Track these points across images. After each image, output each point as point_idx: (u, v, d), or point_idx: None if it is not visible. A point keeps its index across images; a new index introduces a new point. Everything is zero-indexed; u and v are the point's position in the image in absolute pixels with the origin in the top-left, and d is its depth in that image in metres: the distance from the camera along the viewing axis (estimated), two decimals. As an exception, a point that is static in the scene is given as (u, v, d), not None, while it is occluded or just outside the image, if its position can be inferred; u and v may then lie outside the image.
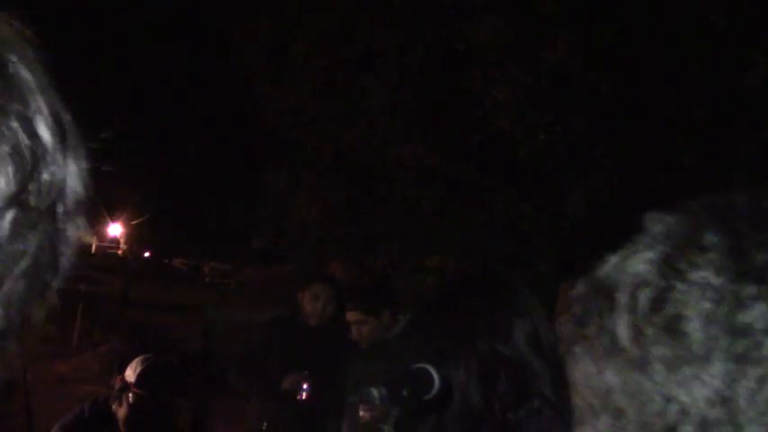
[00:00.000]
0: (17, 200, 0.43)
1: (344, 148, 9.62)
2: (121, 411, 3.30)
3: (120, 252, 38.26)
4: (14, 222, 0.43)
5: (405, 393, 1.57)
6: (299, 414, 4.05)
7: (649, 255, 0.60)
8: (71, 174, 0.48)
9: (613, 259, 0.63)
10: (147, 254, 38.68)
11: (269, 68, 10.32)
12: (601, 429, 0.62)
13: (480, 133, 8.49)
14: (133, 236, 38.27)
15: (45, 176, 0.45)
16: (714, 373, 0.55)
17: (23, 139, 0.44)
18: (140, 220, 35.49)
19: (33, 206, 0.44)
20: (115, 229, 38.17)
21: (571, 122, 7.98)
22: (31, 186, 0.43)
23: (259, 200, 11.30)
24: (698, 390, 0.55)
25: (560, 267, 7.49)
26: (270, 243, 11.26)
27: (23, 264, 0.44)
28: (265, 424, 3.47)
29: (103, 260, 31.72)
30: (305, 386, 4.11)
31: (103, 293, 18.99)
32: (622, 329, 0.59)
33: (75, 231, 0.50)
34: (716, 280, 0.56)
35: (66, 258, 0.49)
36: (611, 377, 0.61)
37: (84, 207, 0.51)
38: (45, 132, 0.45)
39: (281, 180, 10.54)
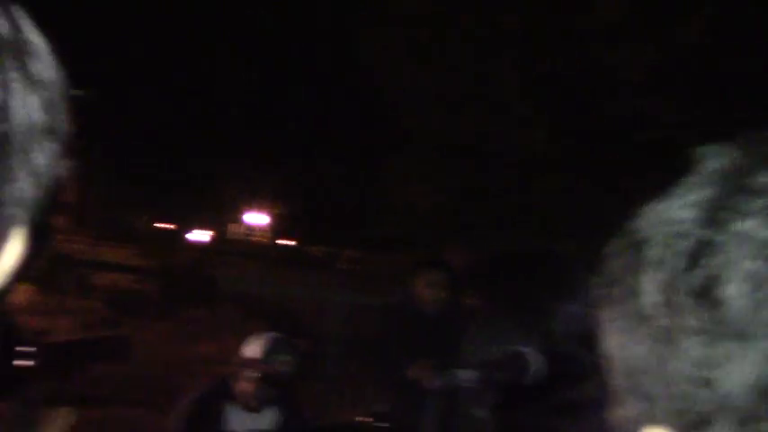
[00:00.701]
0: None
1: (468, 134, 9.55)
2: (243, 387, 3.42)
3: (261, 240, 39.82)
4: None
5: (497, 376, 1.57)
6: (421, 403, 4.07)
7: (694, 198, 0.49)
8: (27, 101, 0.44)
9: (653, 205, 0.53)
10: (288, 242, 39.91)
11: (392, 55, 10.37)
12: (629, 414, 0.53)
13: (609, 116, 8.20)
14: (274, 224, 39.67)
15: None
16: (757, 353, 0.44)
17: None
18: (281, 208, 36.73)
19: None
20: (257, 218, 39.74)
21: (707, 105, 7.56)
22: None
23: (383, 188, 11.41)
24: (736, 373, 0.45)
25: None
26: (395, 230, 11.36)
27: None
28: (380, 406, 3.53)
29: (248, 247, 33.15)
30: (432, 374, 4.11)
31: (246, 279, 19.84)
32: (650, 292, 0.49)
33: (40, 161, 0.45)
34: (763, 232, 0.45)
35: (25, 187, 0.44)
36: (639, 351, 0.51)
37: (54, 139, 0.46)
38: None
39: (405, 167, 10.60)
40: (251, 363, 3.39)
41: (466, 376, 1.58)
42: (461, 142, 9.74)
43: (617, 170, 8.16)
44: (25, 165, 0.44)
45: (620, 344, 0.53)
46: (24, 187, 0.44)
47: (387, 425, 3.28)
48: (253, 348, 3.43)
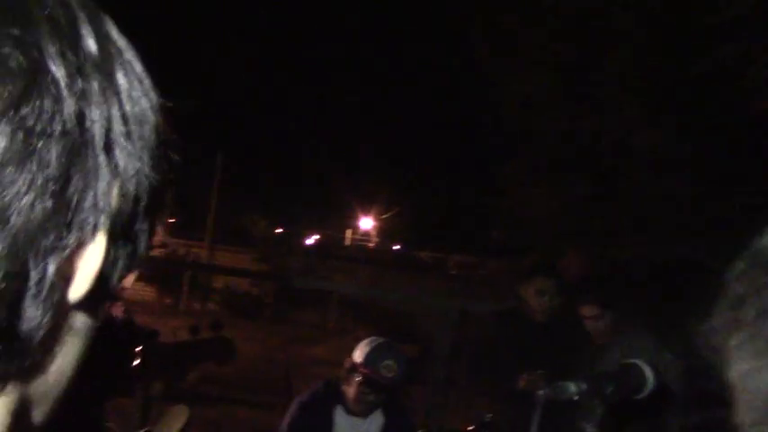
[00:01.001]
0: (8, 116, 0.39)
1: (585, 138, 9.27)
2: (350, 391, 3.44)
3: (371, 245, 40.27)
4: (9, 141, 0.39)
5: (609, 390, 1.45)
6: (535, 413, 3.95)
7: None
8: (107, 103, 0.44)
9: None
10: (396, 246, 40.22)
11: (505, 57, 10.22)
12: None
13: (735, 116, 7.73)
14: (384, 229, 40.07)
15: (47, 101, 0.40)
16: None
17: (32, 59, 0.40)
18: (390, 213, 37.07)
19: (31, 127, 0.40)
20: (367, 223, 40.22)
21: None
22: (27, 105, 0.39)
23: (499, 193, 11.26)
24: None
25: None
26: (509, 236, 11.18)
27: (26, 195, 0.39)
28: (489, 416, 3.44)
29: (356, 252, 33.57)
30: (542, 387, 4.01)
31: (356, 284, 20.06)
32: None
33: (123, 168, 0.46)
34: None
35: (103, 196, 0.44)
36: None
37: (150, 146, 0.48)
38: (56, 64, 0.41)
39: (520, 172, 10.41)
40: (357, 367, 3.40)
41: (576, 388, 1.46)
42: (578, 144, 9.46)
43: (748, 172, 7.68)
44: (106, 171, 0.44)
45: (751, 369, 0.49)
46: (105, 194, 0.44)
47: None
48: (359, 353, 3.44)
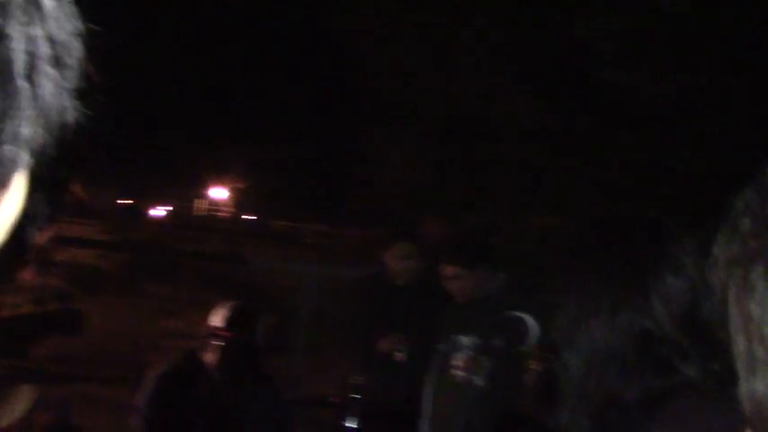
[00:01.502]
0: None
1: (445, 106, 9.42)
2: (211, 358, 3.33)
3: (223, 214, 39.53)
4: None
5: (498, 343, 1.45)
6: (395, 376, 4.00)
7: None
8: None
9: None
10: (249, 216, 39.71)
11: (367, 25, 10.17)
12: None
13: (590, 85, 8.10)
14: (236, 199, 39.41)
15: None
16: None
17: None
18: (243, 183, 36.44)
19: None
20: (218, 193, 39.42)
21: (685, 72, 7.50)
22: None
23: (357, 160, 11.28)
24: None
25: (686, 225, 7.09)
26: (368, 204, 11.24)
27: None
28: (356, 378, 3.45)
29: (208, 222, 32.85)
30: (400, 348, 4.07)
31: (208, 253, 19.61)
32: None
33: (46, 98, 0.40)
34: None
35: (23, 128, 0.39)
36: None
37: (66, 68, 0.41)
38: None
39: (380, 140, 10.45)
40: (217, 331, 3.31)
41: (469, 342, 1.45)
42: (438, 115, 9.61)
43: (601, 140, 8.08)
44: (29, 100, 0.39)
45: (758, 309, 0.47)
46: (27, 126, 0.39)
47: (361, 396, 3.19)
48: (218, 318, 3.35)
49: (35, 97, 0.40)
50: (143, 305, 16.90)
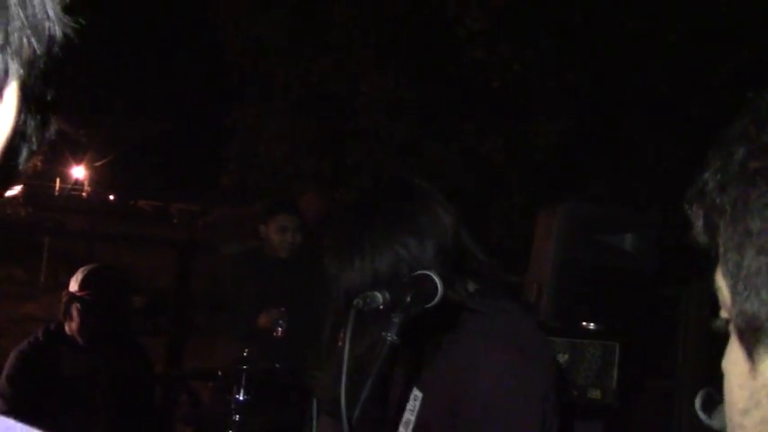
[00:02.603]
0: None
1: (314, 81, 9.40)
2: (73, 325, 3.26)
3: (83, 194, 37.73)
4: None
5: (408, 299, 1.49)
6: (276, 350, 3.99)
7: None
8: None
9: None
10: (111, 196, 38.18)
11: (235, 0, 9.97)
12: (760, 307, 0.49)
13: (454, 63, 8.33)
14: (97, 178, 37.72)
15: None
16: None
17: None
18: (103, 161, 34.90)
19: None
20: (78, 172, 37.54)
21: (544, 50, 7.86)
22: None
23: (226, 137, 11.06)
24: None
25: (535, 198, 7.47)
26: (238, 181, 11.07)
27: None
28: (246, 351, 3.43)
29: (67, 202, 31.24)
30: (281, 322, 4.07)
31: (68, 234, 18.72)
32: None
33: (39, 14, 0.39)
34: None
35: (14, 38, 0.37)
36: None
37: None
38: None
39: (249, 115, 10.30)
40: (75, 294, 3.24)
41: (382, 298, 1.48)
42: (308, 90, 9.57)
43: (463, 117, 8.34)
44: (18, 13, 0.38)
45: (759, 222, 0.48)
46: (16, 35, 0.37)
47: (246, 367, 3.20)
48: (74, 282, 3.29)
49: (23, 6, 0.38)
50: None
